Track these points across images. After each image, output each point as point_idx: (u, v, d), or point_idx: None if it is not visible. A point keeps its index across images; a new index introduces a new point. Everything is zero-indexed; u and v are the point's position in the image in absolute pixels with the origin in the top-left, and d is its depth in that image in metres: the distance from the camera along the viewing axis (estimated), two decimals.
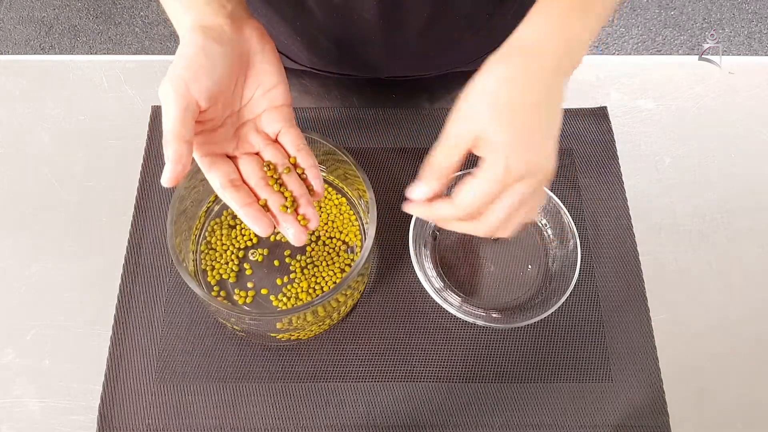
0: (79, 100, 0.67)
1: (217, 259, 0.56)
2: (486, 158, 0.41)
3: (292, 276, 0.56)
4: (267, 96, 0.45)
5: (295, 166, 0.46)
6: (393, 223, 0.59)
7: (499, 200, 0.41)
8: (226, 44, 0.42)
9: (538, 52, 0.42)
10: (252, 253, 0.57)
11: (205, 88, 0.40)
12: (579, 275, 0.54)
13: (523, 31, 0.43)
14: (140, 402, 0.52)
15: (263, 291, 0.55)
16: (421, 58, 0.65)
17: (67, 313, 0.56)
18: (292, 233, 0.44)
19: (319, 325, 0.53)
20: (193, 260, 0.56)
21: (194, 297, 0.56)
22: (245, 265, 0.56)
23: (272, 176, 0.45)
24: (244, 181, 0.45)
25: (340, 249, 0.57)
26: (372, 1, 0.54)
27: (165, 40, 1.83)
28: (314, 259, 0.56)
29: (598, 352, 0.55)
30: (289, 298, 0.55)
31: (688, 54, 1.78)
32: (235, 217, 0.58)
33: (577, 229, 0.56)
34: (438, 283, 0.57)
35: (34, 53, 1.80)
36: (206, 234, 0.57)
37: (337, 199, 0.59)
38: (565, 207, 0.57)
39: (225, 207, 0.59)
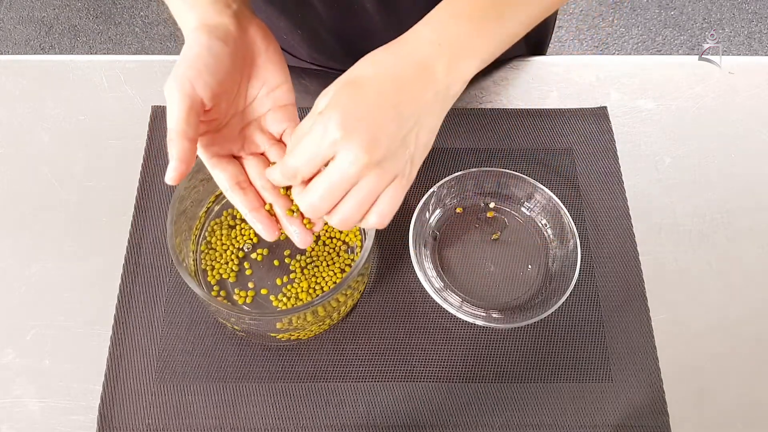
0: (79, 100, 0.67)
1: (217, 259, 0.56)
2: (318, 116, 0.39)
3: (292, 276, 0.56)
4: (271, 95, 0.45)
5: None
6: (393, 223, 0.59)
7: (323, 171, 0.39)
8: (231, 43, 0.41)
9: (427, 58, 0.40)
10: (246, 243, 0.57)
11: (210, 86, 0.40)
12: (579, 275, 0.54)
13: (421, 29, 0.42)
14: (140, 402, 0.52)
15: (263, 291, 0.55)
16: None
17: (67, 313, 0.56)
18: (298, 236, 0.44)
19: (319, 325, 0.53)
20: (193, 260, 0.56)
21: (194, 297, 0.56)
22: (245, 265, 0.57)
23: None
24: (250, 183, 0.45)
25: (340, 249, 0.57)
26: (373, 15, 0.54)
27: (165, 40, 1.83)
28: (314, 259, 0.56)
29: (598, 352, 0.55)
30: (289, 298, 0.55)
31: (688, 54, 1.78)
32: (235, 217, 0.58)
33: (577, 229, 0.56)
34: (438, 283, 0.57)
35: (34, 53, 1.80)
36: (206, 234, 0.57)
37: None
38: (565, 207, 0.57)
39: (225, 207, 0.59)
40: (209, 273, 0.56)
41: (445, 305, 0.53)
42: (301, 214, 0.45)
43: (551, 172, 0.63)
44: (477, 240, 0.60)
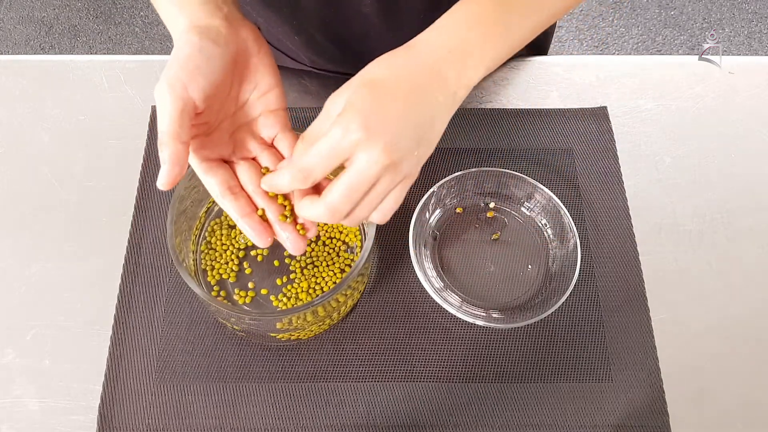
0: (79, 100, 0.67)
1: (217, 259, 0.56)
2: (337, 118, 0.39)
3: (292, 276, 0.56)
4: (263, 99, 0.45)
5: None
6: (393, 223, 0.59)
7: (341, 175, 0.39)
8: (222, 45, 0.41)
9: (424, 51, 0.41)
10: (242, 237, 0.57)
11: (202, 88, 0.39)
12: (579, 275, 0.54)
13: (423, 36, 0.43)
14: (140, 402, 0.52)
15: (263, 291, 0.55)
16: None
17: (67, 313, 0.56)
18: (291, 243, 0.43)
19: (319, 325, 0.53)
20: (193, 260, 0.56)
21: (194, 297, 0.56)
22: (245, 265, 0.57)
23: None
24: (242, 188, 0.44)
25: (340, 249, 0.57)
26: (369, 18, 0.54)
27: (165, 40, 1.83)
28: (314, 259, 0.56)
29: (598, 352, 0.55)
30: (289, 298, 0.55)
31: (688, 54, 1.78)
32: None
33: (577, 229, 0.56)
34: (438, 283, 0.57)
35: (34, 53, 1.80)
36: (206, 234, 0.57)
37: None
38: (565, 207, 0.57)
39: None
40: (209, 273, 0.56)
41: (445, 305, 0.53)
42: (294, 220, 0.44)
43: (551, 172, 0.63)
44: (477, 240, 0.60)
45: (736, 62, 0.71)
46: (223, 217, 0.58)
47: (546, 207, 0.59)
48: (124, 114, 0.66)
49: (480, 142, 0.65)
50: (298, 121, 0.66)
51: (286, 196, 0.44)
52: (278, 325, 0.50)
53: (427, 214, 0.59)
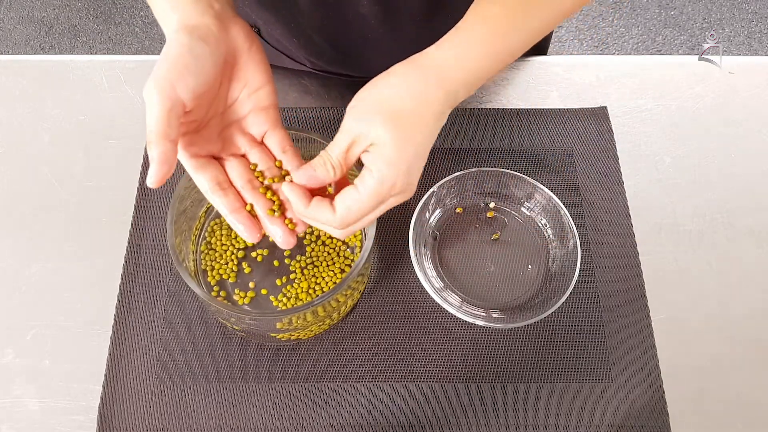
0: (79, 100, 0.67)
1: (217, 259, 0.56)
2: (373, 169, 0.41)
3: (292, 276, 0.56)
4: (253, 97, 0.45)
5: (281, 169, 0.45)
6: (393, 223, 0.59)
7: (372, 213, 0.42)
8: (212, 43, 0.41)
9: (443, 77, 0.42)
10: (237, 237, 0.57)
11: (191, 87, 0.39)
12: (579, 275, 0.54)
13: (436, 52, 0.44)
14: (140, 402, 0.52)
15: (263, 291, 0.55)
16: None
17: (67, 313, 0.56)
18: (280, 236, 0.44)
19: (319, 325, 0.53)
20: (193, 260, 0.56)
21: (194, 297, 0.56)
22: (245, 265, 0.56)
23: (261, 180, 0.45)
24: (231, 184, 0.44)
25: (340, 249, 0.57)
26: (367, 1, 0.54)
27: (165, 40, 1.83)
28: (314, 259, 0.56)
29: (598, 352, 0.55)
30: (289, 299, 0.55)
31: (688, 54, 1.78)
32: None
33: (577, 229, 0.56)
34: (438, 283, 0.57)
35: (34, 53, 1.80)
36: (206, 234, 0.57)
37: None
38: (565, 207, 0.57)
39: None
40: (209, 273, 0.56)
41: (445, 305, 0.53)
42: (283, 214, 0.44)
43: (551, 172, 0.63)
44: (477, 240, 0.60)
45: (736, 62, 0.71)
46: (222, 218, 0.58)
47: (546, 207, 0.59)
48: (124, 114, 0.66)
49: (480, 142, 0.65)
50: (298, 121, 0.66)
51: (273, 191, 0.45)
52: (278, 325, 0.50)
53: (427, 214, 0.59)
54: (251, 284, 0.56)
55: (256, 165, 0.45)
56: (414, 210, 0.56)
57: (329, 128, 0.65)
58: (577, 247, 0.55)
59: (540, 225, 0.60)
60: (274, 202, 0.44)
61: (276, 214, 0.44)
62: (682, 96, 0.69)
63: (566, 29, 1.83)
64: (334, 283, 0.55)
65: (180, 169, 0.57)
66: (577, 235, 0.56)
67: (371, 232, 0.50)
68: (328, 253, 0.57)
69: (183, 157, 0.43)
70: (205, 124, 0.44)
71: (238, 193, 0.44)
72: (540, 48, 0.75)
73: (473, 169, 0.59)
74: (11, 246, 0.59)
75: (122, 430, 0.51)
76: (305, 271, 0.56)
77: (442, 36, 0.60)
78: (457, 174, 0.58)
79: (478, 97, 0.68)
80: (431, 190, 0.57)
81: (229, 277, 0.56)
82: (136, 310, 0.55)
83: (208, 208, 0.58)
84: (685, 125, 0.67)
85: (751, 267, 0.60)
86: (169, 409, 0.52)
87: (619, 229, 0.60)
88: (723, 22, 1.84)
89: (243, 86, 0.44)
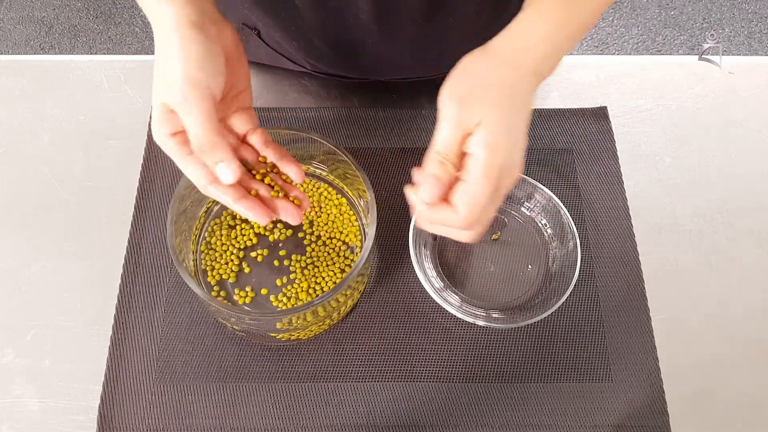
0: (79, 100, 0.67)
1: (217, 259, 0.56)
2: (480, 155, 0.40)
3: (292, 276, 0.56)
4: (237, 98, 0.46)
5: (266, 164, 0.47)
6: (393, 223, 0.59)
7: (492, 204, 0.41)
8: (218, 43, 0.41)
9: (522, 58, 0.43)
10: (244, 234, 0.57)
11: (220, 87, 0.40)
12: (579, 275, 0.54)
13: (509, 35, 0.44)
14: (140, 402, 0.52)
15: (263, 291, 0.55)
16: (417, 59, 0.65)
17: (67, 313, 0.56)
18: (289, 212, 0.46)
19: (319, 325, 0.53)
20: (193, 260, 0.56)
21: (194, 297, 0.56)
22: (244, 265, 0.56)
23: (256, 172, 0.47)
24: None
25: (340, 249, 0.57)
26: (366, 5, 0.54)
27: None
28: (314, 259, 0.56)
29: (598, 352, 0.55)
30: (289, 298, 0.55)
31: (688, 54, 1.78)
32: (235, 217, 0.58)
33: (577, 229, 0.56)
34: (438, 283, 0.57)
35: (34, 53, 1.80)
36: (206, 234, 0.57)
37: (337, 199, 0.59)
38: (565, 207, 0.57)
39: (225, 207, 0.59)
40: (209, 273, 0.56)
41: (445, 305, 0.53)
42: (286, 195, 0.47)
43: (551, 172, 0.63)
44: (477, 240, 0.60)
45: (736, 62, 0.71)
46: (222, 217, 0.58)
47: (546, 207, 0.59)
48: (124, 114, 0.66)
49: None
50: (298, 121, 0.66)
51: (271, 179, 0.47)
52: (278, 325, 0.50)
53: None
54: (251, 284, 0.56)
55: (265, 158, 0.47)
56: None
57: (329, 128, 0.65)
58: (577, 247, 0.55)
59: (540, 225, 0.60)
60: (273, 187, 0.47)
61: (280, 194, 0.46)
62: (682, 96, 0.69)
63: None
64: (334, 283, 0.55)
65: (180, 169, 0.56)
66: (577, 235, 0.56)
67: (371, 232, 0.50)
68: (328, 253, 0.57)
69: (178, 155, 0.43)
70: None
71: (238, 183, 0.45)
72: None
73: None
74: (11, 246, 0.59)
75: (122, 430, 0.51)
76: (305, 271, 0.56)
77: (443, 37, 0.61)
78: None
79: None
80: None
81: (229, 277, 0.56)
82: (136, 310, 0.55)
83: (208, 208, 0.58)
84: (685, 125, 0.67)
85: (751, 267, 0.60)
86: (169, 409, 0.52)
87: (619, 229, 0.60)
88: (723, 22, 1.84)
89: (230, 88, 0.45)
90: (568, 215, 0.57)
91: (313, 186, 0.60)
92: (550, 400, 0.53)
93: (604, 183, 0.63)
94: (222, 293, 0.55)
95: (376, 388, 0.53)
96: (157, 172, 0.62)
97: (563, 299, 0.52)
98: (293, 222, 0.46)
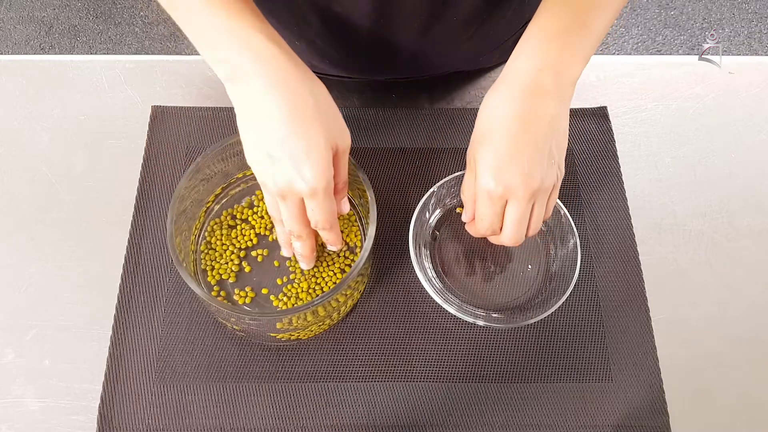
0: (79, 100, 0.67)
1: (217, 259, 0.56)
2: (476, 184, 0.47)
3: (292, 276, 0.56)
4: None
5: None
6: (393, 223, 0.59)
7: (505, 215, 0.47)
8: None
9: (516, 84, 0.45)
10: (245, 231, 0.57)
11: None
12: (579, 275, 0.54)
13: (506, 68, 0.47)
14: (140, 402, 0.52)
15: (263, 291, 0.55)
16: (419, 60, 0.65)
17: (67, 313, 0.56)
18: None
19: (319, 325, 0.53)
20: (193, 260, 0.56)
21: (194, 297, 0.56)
22: (244, 265, 0.56)
23: None
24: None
25: (340, 249, 0.57)
26: (369, 8, 0.54)
27: (165, 40, 1.83)
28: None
29: (598, 352, 0.55)
30: (289, 298, 0.55)
31: (688, 54, 1.78)
32: (234, 216, 0.58)
33: (577, 229, 0.56)
34: (438, 283, 0.57)
35: (34, 53, 1.80)
36: (206, 234, 0.57)
37: None
38: (565, 207, 0.57)
39: (225, 207, 0.59)
40: (209, 273, 0.56)
41: (445, 305, 0.53)
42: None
43: None
44: (477, 240, 0.60)
45: (736, 62, 0.71)
46: (222, 217, 0.58)
47: None
48: (124, 114, 0.66)
49: None
50: None
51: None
52: (278, 325, 0.50)
53: (427, 214, 0.59)
54: (251, 284, 0.56)
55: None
56: (414, 210, 0.56)
57: None
58: (577, 247, 0.55)
59: None
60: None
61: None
62: (682, 96, 0.69)
63: None
64: (334, 283, 0.55)
65: (180, 169, 0.57)
66: (577, 235, 0.56)
67: (371, 232, 0.50)
68: (328, 253, 0.57)
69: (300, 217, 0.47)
70: None
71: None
72: None
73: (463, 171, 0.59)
74: (11, 246, 0.59)
75: (122, 430, 0.51)
76: (305, 271, 0.56)
77: (444, 37, 0.61)
78: (457, 174, 0.58)
79: (478, 98, 0.68)
80: (431, 190, 0.57)
81: (229, 277, 0.56)
82: (136, 310, 0.55)
83: (207, 208, 0.58)
84: (685, 125, 0.67)
85: (751, 267, 0.60)
86: (169, 409, 0.52)
87: (619, 229, 0.60)
88: (723, 22, 1.84)
89: None
90: (568, 215, 0.57)
91: None
92: (550, 400, 0.53)
93: (604, 183, 0.63)
94: (222, 293, 0.55)
95: (376, 388, 0.53)
96: (157, 172, 0.62)
97: (563, 299, 0.52)
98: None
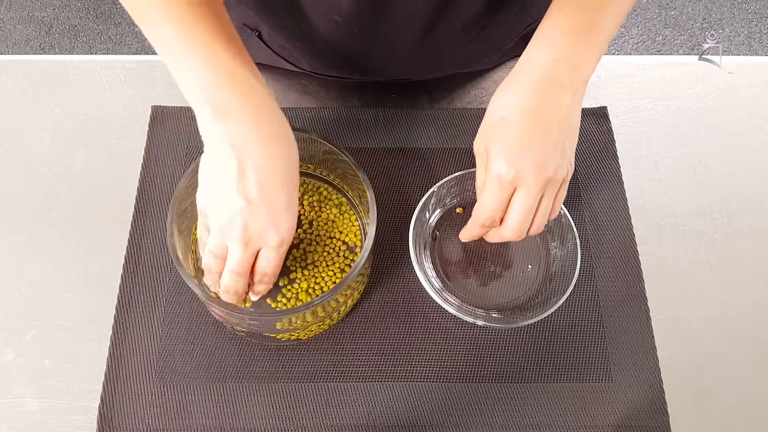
0: (79, 100, 0.67)
1: None
2: (486, 171, 0.46)
3: (292, 276, 0.56)
4: None
5: None
6: (393, 223, 0.59)
7: (510, 204, 0.46)
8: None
9: (532, 76, 0.46)
10: None
11: None
12: (579, 275, 0.54)
13: (521, 60, 0.47)
14: (140, 402, 0.52)
15: None
16: (420, 62, 0.65)
17: (67, 313, 0.56)
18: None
19: (319, 325, 0.53)
20: (193, 260, 0.56)
21: (194, 297, 0.56)
22: None
23: None
24: None
25: (340, 249, 0.57)
26: (370, 12, 0.54)
27: None
28: (314, 259, 0.56)
29: (598, 352, 0.55)
30: (289, 299, 0.55)
31: (688, 54, 1.78)
32: None
33: (577, 229, 0.56)
34: (438, 283, 0.57)
35: (34, 53, 1.80)
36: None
37: (337, 199, 0.59)
38: (565, 207, 0.57)
39: None
40: None
41: (445, 305, 0.53)
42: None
43: None
44: (477, 240, 0.60)
45: (736, 62, 0.71)
46: None
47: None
48: (124, 114, 0.66)
49: None
50: (298, 120, 0.66)
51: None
52: (278, 325, 0.50)
53: (427, 214, 0.59)
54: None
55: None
56: (414, 210, 0.56)
57: (328, 128, 0.65)
58: (577, 247, 0.55)
59: None
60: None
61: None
62: (682, 96, 0.69)
63: None
64: (334, 283, 0.55)
65: (180, 169, 0.57)
66: (577, 235, 0.56)
67: (371, 232, 0.50)
68: (328, 253, 0.57)
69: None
70: None
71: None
72: None
73: (473, 169, 0.59)
74: (11, 246, 0.59)
75: (122, 430, 0.51)
76: (305, 271, 0.56)
77: (444, 41, 0.61)
78: (457, 174, 0.58)
79: (478, 97, 0.68)
80: (431, 190, 0.57)
81: None
82: (136, 310, 0.55)
83: None
84: (685, 125, 0.67)
85: (751, 267, 0.60)
86: (169, 409, 0.52)
87: (619, 229, 0.60)
88: (723, 22, 1.84)
89: None
90: (568, 215, 0.57)
91: (313, 186, 0.60)
92: (550, 400, 0.53)
93: (604, 183, 0.63)
94: None
95: (376, 388, 0.53)
96: (157, 172, 0.62)
97: (563, 299, 0.52)
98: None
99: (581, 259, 0.55)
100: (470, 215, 0.61)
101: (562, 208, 0.57)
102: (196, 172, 0.52)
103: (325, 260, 0.56)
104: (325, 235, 0.58)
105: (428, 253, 0.59)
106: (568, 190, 0.62)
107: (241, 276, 0.46)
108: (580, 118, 0.47)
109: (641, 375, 0.54)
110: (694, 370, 0.55)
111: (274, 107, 0.45)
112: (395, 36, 0.59)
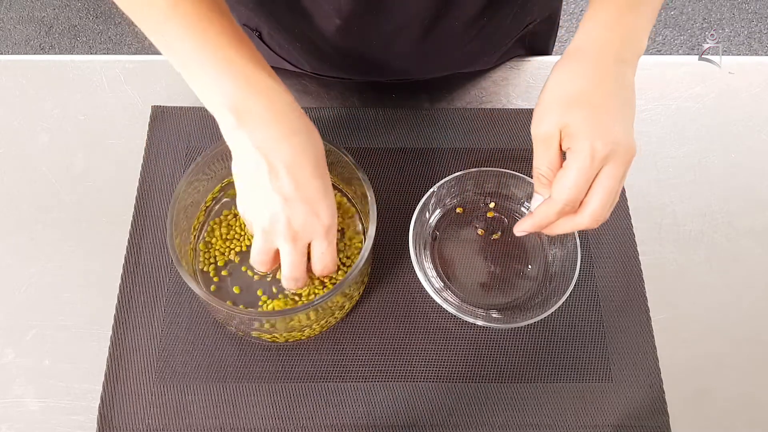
0: (79, 100, 0.67)
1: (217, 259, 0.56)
2: (572, 147, 0.43)
3: None
4: None
5: None
6: (393, 223, 0.59)
7: (594, 185, 0.43)
8: None
9: (597, 52, 0.45)
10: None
11: None
12: (579, 275, 0.54)
13: (579, 38, 0.46)
14: (140, 402, 0.52)
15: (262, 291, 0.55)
16: (420, 62, 0.65)
17: (67, 313, 0.56)
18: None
19: (320, 325, 0.53)
20: (193, 260, 0.56)
21: (194, 297, 0.56)
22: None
23: None
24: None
25: (340, 249, 0.57)
26: (371, 13, 0.54)
27: None
28: None
29: (598, 352, 0.55)
30: (289, 299, 0.55)
31: (688, 54, 1.78)
32: (236, 216, 0.58)
33: None
34: (438, 283, 0.57)
35: (34, 53, 1.80)
36: (206, 234, 0.57)
37: (337, 198, 0.59)
38: None
39: (225, 206, 0.59)
40: (209, 273, 0.56)
41: (445, 305, 0.53)
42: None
43: None
44: (477, 240, 0.60)
45: (736, 62, 0.71)
46: (222, 217, 0.58)
47: None
48: (124, 114, 0.66)
49: (480, 142, 0.65)
50: None
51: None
52: (279, 326, 0.50)
53: (427, 214, 0.59)
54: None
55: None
56: (414, 210, 0.56)
57: (328, 128, 0.65)
58: (577, 247, 0.55)
59: None
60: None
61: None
62: (681, 96, 0.69)
63: (566, 29, 1.83)
64: (334, 283, 0.55)
65: (180, 169, 0.57)
66: (577, 235, 0.56)
67: (371, 232, 0.50)
68: None
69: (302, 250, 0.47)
70: None
71: None
72: (542, 48, 0.75)
73: (473, 169, 0.59)
74: (11, 246, 0.59)
75: (122, 430, 0.51)
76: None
77: (444, 41, 0.61)
78: (457, 174, 0.58)
79: (478, 97, 0.68)
80: (431, 190, 0.57)
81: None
82: (136, 310, 0.55)
83: (207, 208, 0.58)
84: (685, 125, 0.67)
85: (751, 267, 0.60)
86: (169, 409, 0.52)
87: (619, 229, 0.60)
88: (723, 22, 1.84)
89: None
90: None
91: None
92: (550, 400, 0.53)
93: None
94: None
95: (376, 388, 0.53)
96: (157, 172, 0.62)
97: (563, 299, 0.52)
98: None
99: (581, 259, 0.55)
100: (470, 215, 0.61)
101: None
102: (196, 171, 0.53)
103: None
104: None
105: (428, 253, 0.59)
106: None
107: (299, 280, 0.47)
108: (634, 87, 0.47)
109: (641, 375, 0.54)
110: (694, 370, 0.55)
111: (291, 100, 0.45)
112: (395, 36, 0.59)
